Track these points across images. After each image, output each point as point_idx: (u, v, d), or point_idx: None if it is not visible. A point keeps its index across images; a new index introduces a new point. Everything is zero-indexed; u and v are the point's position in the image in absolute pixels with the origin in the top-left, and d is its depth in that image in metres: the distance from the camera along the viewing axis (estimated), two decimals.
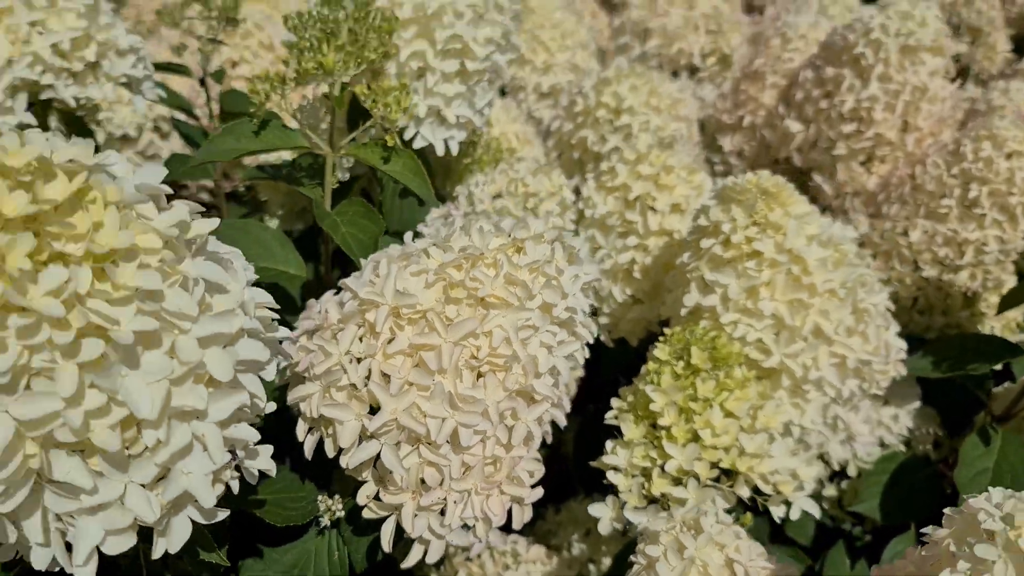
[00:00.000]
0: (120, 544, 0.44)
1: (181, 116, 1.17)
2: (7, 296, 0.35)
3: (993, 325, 1.15)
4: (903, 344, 0.84)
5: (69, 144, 0.39)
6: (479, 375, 0.61)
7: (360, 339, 0.62)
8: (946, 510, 0.51)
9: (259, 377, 0.49)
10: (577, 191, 1.12)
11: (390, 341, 0.61)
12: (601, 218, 0.93)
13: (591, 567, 0.99)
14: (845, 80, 1.13)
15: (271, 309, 0.53)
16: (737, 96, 1.32)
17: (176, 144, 1.33)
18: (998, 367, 0.95)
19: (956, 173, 1.04)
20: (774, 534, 1.03)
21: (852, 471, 1.01)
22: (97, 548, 0.43)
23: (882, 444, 1.02)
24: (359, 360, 0.61)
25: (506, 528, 0.89)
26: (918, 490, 0.98)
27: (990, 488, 0.51)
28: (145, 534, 0.46)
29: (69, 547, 0.43)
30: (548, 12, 1.40)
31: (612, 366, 1.04)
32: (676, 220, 0.89)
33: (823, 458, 1.01)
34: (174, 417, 0.43)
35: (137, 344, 0.40)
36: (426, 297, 0.61)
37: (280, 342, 0.54)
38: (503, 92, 1.51)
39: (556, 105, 1.33)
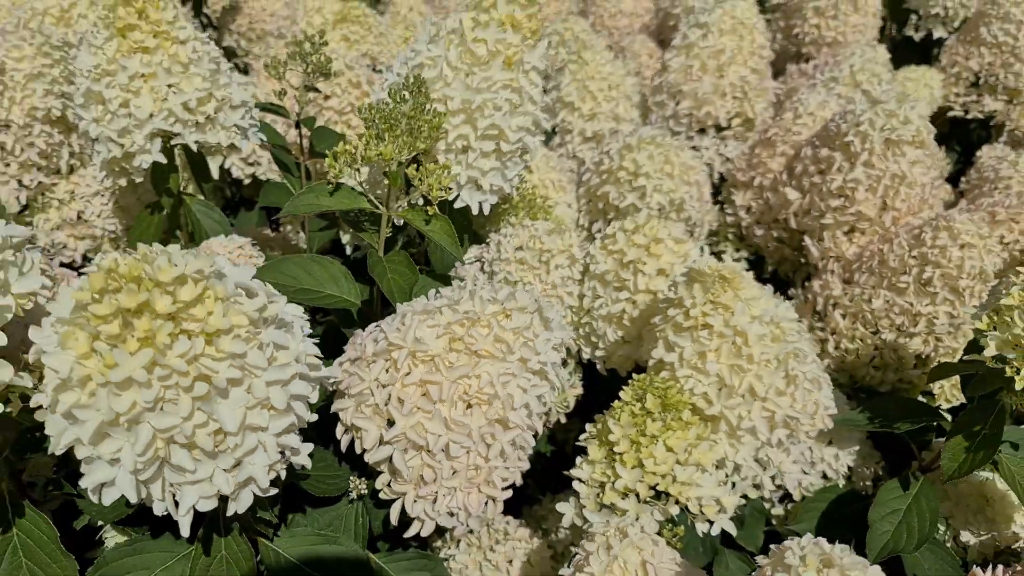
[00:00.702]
0: (207, 504, 0.67)
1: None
2: (155, 358, 0.58)
3: (942, 384, 1.31)
4: (831, 404, 1.02)
5: (196, 259, 0.61)
6: (468, 406, 0.83)
7: (386, 370, 0.84)
8: (772, 546, 0.71)
9: (305, 402, 0.72)
10: (593, 236, 1.32)
11: (407, 375, 0.83)
12: (601, 273, 1.13)
13: (573, 550, 1.20)
14: (836, 162, 1.29)
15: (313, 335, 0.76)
16: (751, 158, 1.48)
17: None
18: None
19: (916, 255, 1.20)
20: (728, 541, 1.23)
21: (796, 496, 1.19)
22: (193, 506, 0.67)
23: (825, 477, 1.20)
24: (383, 386, 0.84)
25: (506, 512, 1.12)
26: (848, 520, 1.16)
27: (819, 540, 0.70)
28: (223, 500, 0.70)
29: (176, 504, 0.67)
30: (599, 65, 1.59)
31: (605, 388, 1.24)
32: (661, 282, 1.08)
33: (776, 482, 1.19)
34: (247, 430, 0.66)
35: (228, 385, 0.63)
36: (436, 345, 0.83)
37: (322, 377, 0.76)
38: (553, 131, 1.70)
39: (597, 148, 1.52)
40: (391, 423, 0.83)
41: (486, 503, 0.87)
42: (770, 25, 2.11)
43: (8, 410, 0.73)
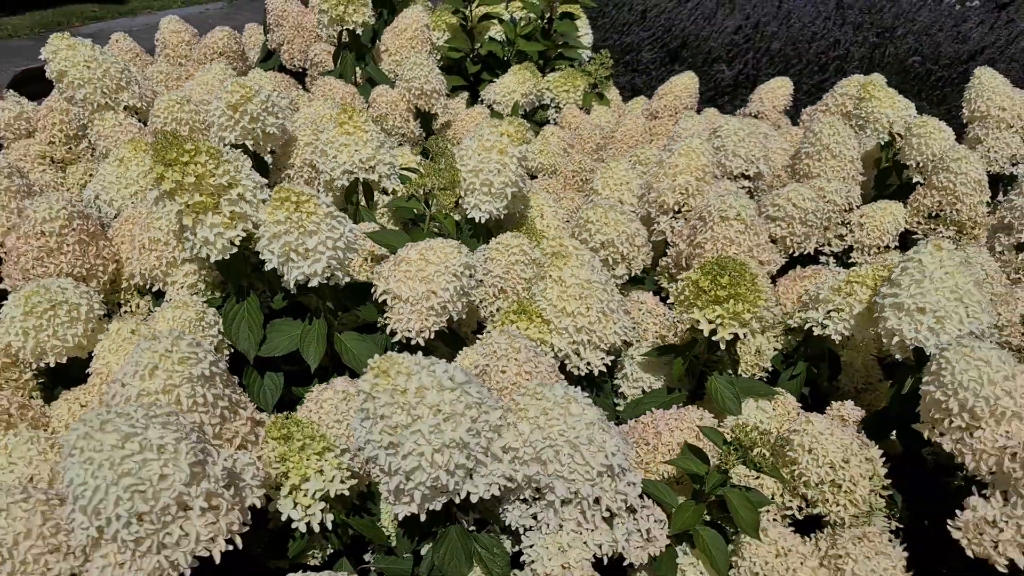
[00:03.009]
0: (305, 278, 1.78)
1: None
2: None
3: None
4: (621, 325, 1.93)
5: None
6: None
7: (395, 264, 1.92)
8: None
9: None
10: None
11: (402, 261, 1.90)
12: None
13: None
14: (700, 228, 2.18)
15: None
16: (682, 229, 2.38)
17: None
18: None
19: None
20: None
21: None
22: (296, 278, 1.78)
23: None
24: (396, 265, 1.92)
25: None
26: None
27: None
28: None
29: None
30: (619, 171, 2.59)
31: None
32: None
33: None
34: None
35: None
36: (413, 255, 1.89)
37: None
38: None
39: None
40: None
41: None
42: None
43: None
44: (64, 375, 1.77)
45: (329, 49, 3.44)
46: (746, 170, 2.70)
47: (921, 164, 2.79)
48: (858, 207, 2.71)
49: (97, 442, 1.17)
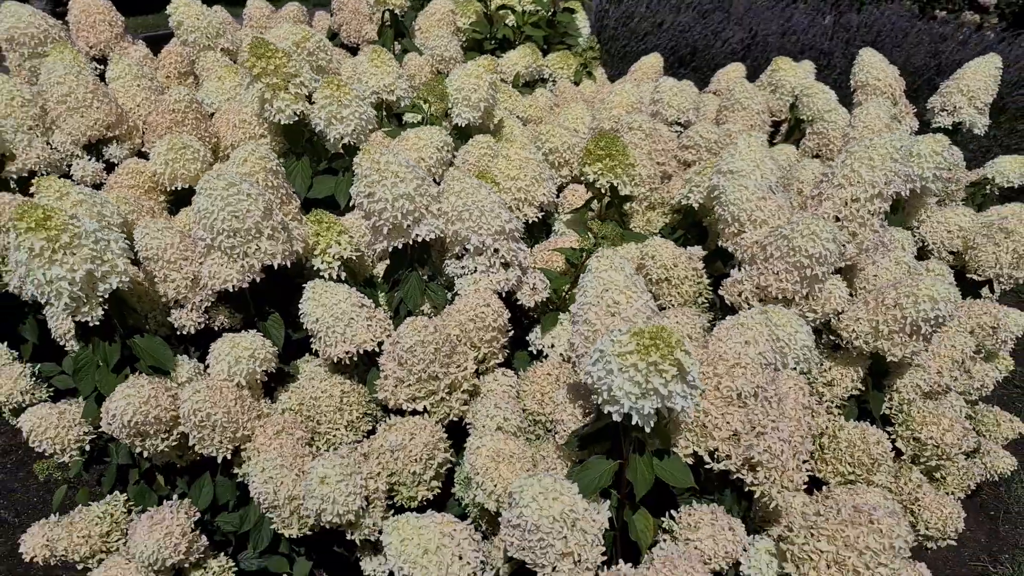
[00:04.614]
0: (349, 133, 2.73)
1: None
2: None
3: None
4: (550, 190, 2.82)
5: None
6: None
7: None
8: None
9: None
10: None
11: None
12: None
13: None
14: None
15: None
16: None
17: None
18: None
19: None
20: None
21: None
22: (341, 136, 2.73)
23: None
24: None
25: None
26: None
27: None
28: None
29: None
30: (574, 107, 3.49)
31: None
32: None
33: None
34: None
35: None
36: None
37: None
38: None
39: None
40: None
41: None
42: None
43: None
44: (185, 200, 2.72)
45: (376, 28, 4.43)
46: (679, 118, 3.58)
47: (809, 117, 3.64)
48: None
49: (214, 185, 2.11)
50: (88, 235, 1.92)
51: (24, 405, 2.57)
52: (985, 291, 2.84)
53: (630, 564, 1.72)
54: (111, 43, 3.42)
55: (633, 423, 1.56)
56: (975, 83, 3.32)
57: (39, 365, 2.64)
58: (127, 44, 3.47)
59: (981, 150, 6.15)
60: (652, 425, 1.58)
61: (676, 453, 1.80)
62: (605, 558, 1.71)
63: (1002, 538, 2.82)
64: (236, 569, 2.30)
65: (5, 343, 2.69)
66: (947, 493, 2.40)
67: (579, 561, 1.68)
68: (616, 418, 1.57)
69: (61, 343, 2.45)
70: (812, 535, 1.76)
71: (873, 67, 3.64)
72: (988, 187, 3.38)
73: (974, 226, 2.87)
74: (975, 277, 2.83)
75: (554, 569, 1.68)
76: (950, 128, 3.41)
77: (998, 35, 7.37)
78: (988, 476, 2.77)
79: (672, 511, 1.86)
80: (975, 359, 2.58)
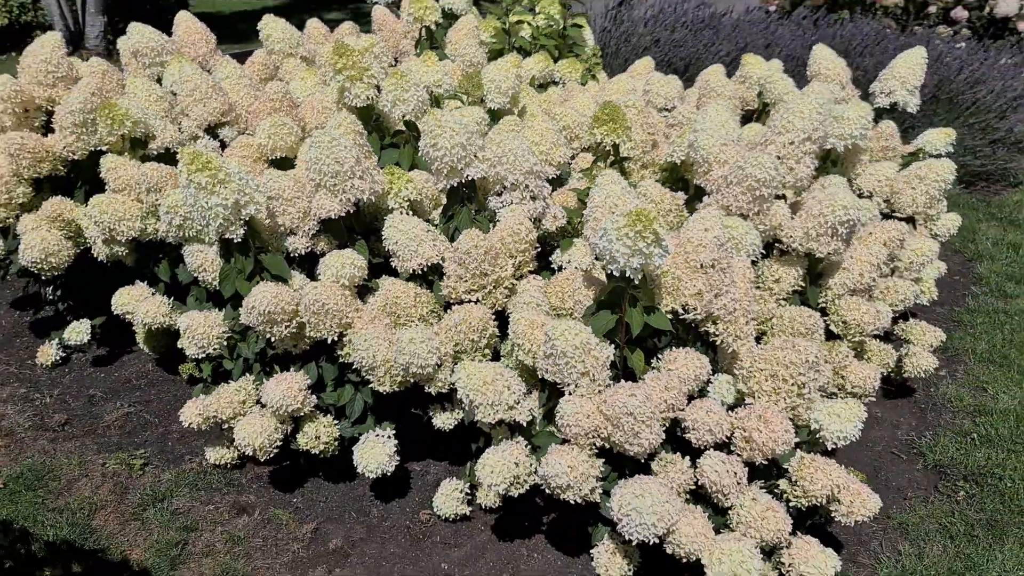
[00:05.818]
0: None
1: None
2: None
3: None
4: (564, 155, 3.60)
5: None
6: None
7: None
8: None
9: None
10: None
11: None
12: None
13: None
14: None
15: None
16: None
17: None
18: None
19: None
20: None
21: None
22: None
23: None
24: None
25: None
26: None
27: None
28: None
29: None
30: (582, 98, 4.29)
31: None
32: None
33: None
34: None
35: None
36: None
37: None
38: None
39: None
40: None
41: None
42: None
43: None
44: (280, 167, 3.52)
45: (412, 43, 5.27)
46: (666, 104, 4.38)
47: (772, 101, 4.43)
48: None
49: (321, 139, 2.91)
50: (235, 175, 2.72)
51: (165, 327, 3.35)
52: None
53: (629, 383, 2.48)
54: (208, 56, 4.25)
55: (627, 277, 2.32)
56: (905, 70, 4.10)
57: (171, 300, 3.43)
58: (219, 56, 4.30)
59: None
60: (639, 279, 2.34)
61: (659, 309, 2.56)
62: (611, 381, 2.46)
63: (928, 422, 3.56)
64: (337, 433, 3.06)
65: (145, 282, 3.47)
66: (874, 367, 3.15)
67: (594, 379, 2.44)
68: (615, 273, 2.33)
69: (195, 275, 3.22)
70: (756, 361, 2.52)
71: (824, 59, 4.43)
72: (920, 155, 4.15)
73: (898, 176, 3.63)
74: (899, 215, 3.59)
75: (576, 385, 2.44)
76: (887, 107, 4.18)
77: (969, 45, 8.16)
78: (916, 373, 3.51)
79: (657, 355, 2.62)
80: (891, 265, 3.34)
